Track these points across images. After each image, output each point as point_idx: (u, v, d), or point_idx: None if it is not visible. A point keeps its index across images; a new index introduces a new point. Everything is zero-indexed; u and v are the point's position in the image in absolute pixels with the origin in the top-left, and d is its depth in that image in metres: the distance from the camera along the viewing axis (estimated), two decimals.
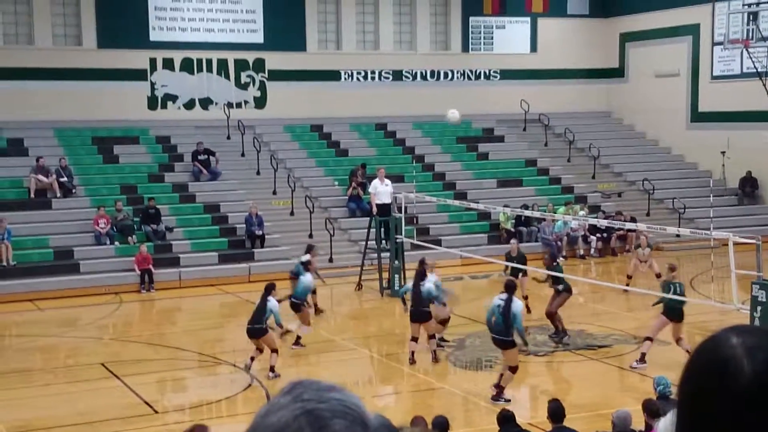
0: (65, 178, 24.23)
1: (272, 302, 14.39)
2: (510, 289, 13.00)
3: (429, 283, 14.98)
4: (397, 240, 20.78)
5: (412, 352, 14.81)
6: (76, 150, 26.12)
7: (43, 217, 23.36)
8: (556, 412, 9.24)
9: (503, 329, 12.75)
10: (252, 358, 14.47)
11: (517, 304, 12.88)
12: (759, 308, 12.90)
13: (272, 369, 14.22)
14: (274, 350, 14.31)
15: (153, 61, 27.96)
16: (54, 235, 22.80)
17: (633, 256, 20.80)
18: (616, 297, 20.09)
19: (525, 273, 18.00)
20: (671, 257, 25.54)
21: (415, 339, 14.84)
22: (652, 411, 9.12)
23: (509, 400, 12.62)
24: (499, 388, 12.78)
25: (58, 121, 26.40)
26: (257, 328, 14.26)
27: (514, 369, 12.82)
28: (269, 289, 14.57)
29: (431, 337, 14.97)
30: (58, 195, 24.07)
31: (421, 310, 14.83)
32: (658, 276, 17.68)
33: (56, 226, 23.12)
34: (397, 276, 20.20)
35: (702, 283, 20.69)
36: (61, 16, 27.24)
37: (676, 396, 1.47)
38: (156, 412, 12.94)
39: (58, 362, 16.32)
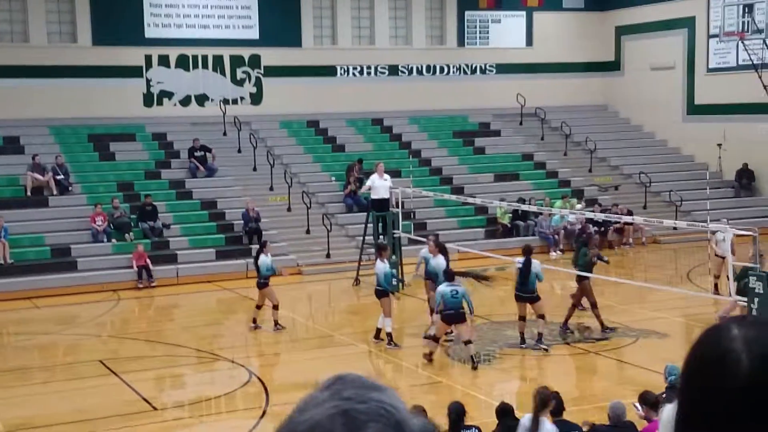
0: (62, 176, 24.21)
1: (262, 258, 17.09)
2: (527, 251, 15.07)
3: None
4: (395, 235, 20.79)
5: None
6: (73, 147, 26.09)
7: (40, 215, 23.34)
8: (556, 405, 9.25)
9: (527, 287, 14.95)
10: (254, 320, 17.18)
11: (536, 263, 15.04)
12: (756, 299, 12.93)
13: (276, 323, 16.82)
14: (275, 306, 16.88)
15: (148, 58, 27.92)
16: (51, 233, 22.78)
17: (710, 252, 19.24)
18: (614, 290, 20.10)
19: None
20: (668, 250, 25.63)
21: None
22: (650, 402, 9.15)
23: (547, 349, 14.96)
24: (540, 335, 15.05)
25: (54, 118, 26.37)
26: (259, 282, 17.12)
27: (542, 316, 15.12)
28: (263, 246, 17.56)
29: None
30: (55, 193, 24.05)
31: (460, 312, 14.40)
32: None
33: (53, 223, 23.10)
34: (395, 270, 20.19)
35: (699, 275, 20.74)
36: (55, 14, 27.19)
37: (678, 386, 1.47)
38: (155, 408, 12.95)
39: (56, 360, 16.33)
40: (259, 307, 17.30)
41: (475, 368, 14.14)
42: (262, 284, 17.13)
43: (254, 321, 17.36)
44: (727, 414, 1.34)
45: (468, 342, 14.28)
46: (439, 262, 16.05)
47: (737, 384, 1.34)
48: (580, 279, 16.25)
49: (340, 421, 1.12)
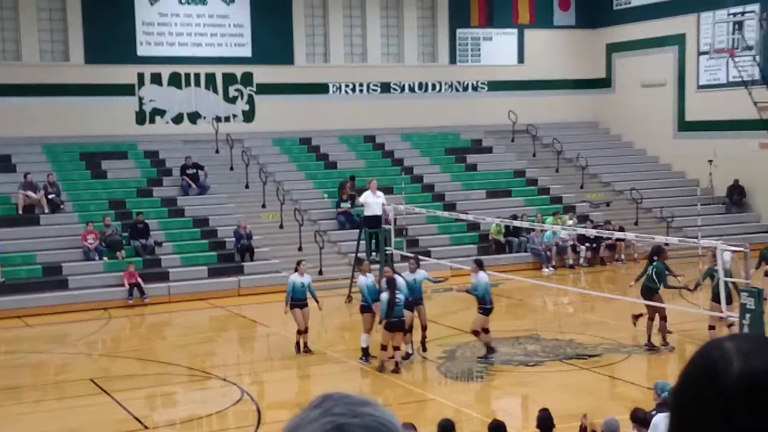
0: (53, 194, 24.17)
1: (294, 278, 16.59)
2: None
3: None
4: (387, 252, 20.79)
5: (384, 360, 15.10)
6: (64, 165, 26.06)
7: (32, 233, 23.29)
8: (545, 421, 9.26)
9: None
10: (297, 343, 16.40)
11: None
12: (748, 315, 12.96)
13: (305, 346, 16.29)
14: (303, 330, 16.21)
15: (141, 76, 27.96)
16: (42, 251, 22.72)
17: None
18: (606, 306, 20.12)
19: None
20: None
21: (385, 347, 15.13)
22: (640, 419, 9.16)
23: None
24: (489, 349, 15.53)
25: (46, 136, 26.35)
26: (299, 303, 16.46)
27: (476, 332, 15.62)
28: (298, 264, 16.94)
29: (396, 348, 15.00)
30: (46, 211, 24.00)
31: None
32: None
33: (44, 242, 23.04)
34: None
35: (690, 292, 20.72)
36: (48, 32, 27.23)
37: (670, 401, 1.48)
38: (146, 427, 12.88)
39: (47, 378, 16.25)
40: (300, 332, 16.44)
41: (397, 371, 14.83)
42: (301, 304, 16.52)
43: (299, 345, 16.56)
44: (721, 420, 1.35)
45: (396, 348, 14.90)
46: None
47: (732, 395, 1.35)
48: (649, 294, 15.91)
49: (350, 430, 1.12)
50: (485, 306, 15.47)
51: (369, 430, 1.12)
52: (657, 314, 15.88)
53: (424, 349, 16.03)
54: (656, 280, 15.58)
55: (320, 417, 1.14)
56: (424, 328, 16.03)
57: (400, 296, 14.78)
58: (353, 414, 1.14)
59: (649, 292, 15.81)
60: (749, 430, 1.33)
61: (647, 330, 15.95)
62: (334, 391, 1.21)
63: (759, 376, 1.34)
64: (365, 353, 15.66)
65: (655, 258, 15.99)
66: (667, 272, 15.85)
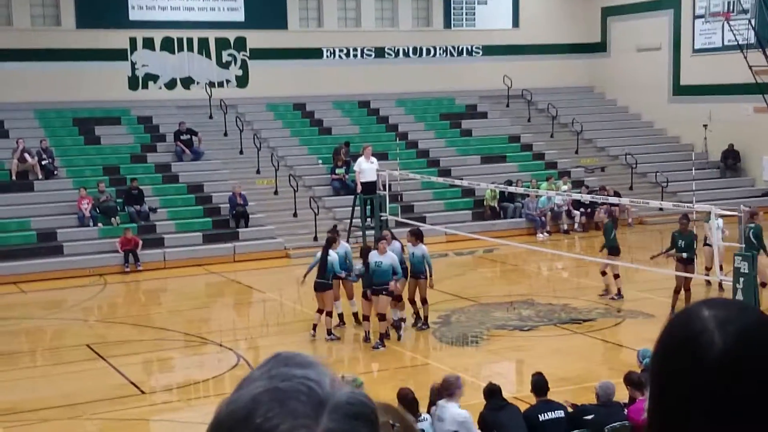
0: (47, 160, 24.07)
1: (332, 255, 14.92)
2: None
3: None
4: (382, 218, 20.79)
5: (314, 325, 14.99)
6: (57, 131, 25.94)
7: (26, 199, 23.23)
8: (540, 385, 9.32)
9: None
10: (314, 326, 15.07)
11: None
12: (742, 279, 13.01)
13: (329, 332, 14.95)
14: (328, 312, 14.87)
15: (133, 41, 27.74)
16: (36, 218, 22.68)
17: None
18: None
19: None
20: (654, 231, 25.72)
21: (320, 311, 14.96)
22: (634, 382, 9.22)
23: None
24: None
25: (39, 102, 26.20)
26: (322, 282, 14.84)
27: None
28: (330, 242, 15.07)
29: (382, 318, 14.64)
30: (40, 177, 23.92)
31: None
32: None
33: (39, 208, 23.00)
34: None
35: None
36: None
37: (650, 371, 1.48)
38: (143, 392, 12.95)
39: (43, 344, 16.31)
40: (321, 311, 15.10)
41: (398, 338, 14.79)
42: (326, 285, 14.94)
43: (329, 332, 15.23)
44: (704, 394, 1.35)
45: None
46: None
47: (712, 364, 1.34)
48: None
49: (262, 399, 1.15)
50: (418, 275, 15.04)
51: (292, 394, 1.15)
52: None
53: (425, 324, 15.65)
54: (756, 243, 15.32)
55: (259, 378, 1.18)
56: (423, 302, 15.63)
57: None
58: (285, 377, 1.17)
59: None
60: (730, 402, 1.34)
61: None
62: (283, 351, 1.23)
63: (741, 353, 1.34)
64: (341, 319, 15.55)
65: (752, 223, 15.54)
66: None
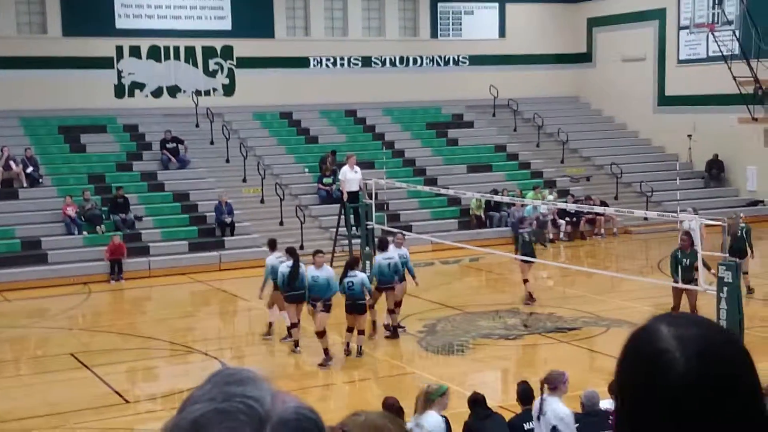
0: (32, 168, 23.98)
1: (303, 268, 14.61)
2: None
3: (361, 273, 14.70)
4: (368, 226, 20.79)
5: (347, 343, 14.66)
6: (43, 139, 25.85)
7: (10, 207, 23.12)
8: (525, 393, 9.33)
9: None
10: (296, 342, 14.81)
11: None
12: (725, 288, 13.06)
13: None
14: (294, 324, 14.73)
15: (119, 49, 27.70)
16: (21, 226, 22.58)
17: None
18: (585, 280, 20.26)
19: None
20: (639, 240, 25.84)
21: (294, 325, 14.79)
22: None
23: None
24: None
25: (24, 110, 26.11)
26: (295, 295, 14.54)
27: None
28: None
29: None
30: (25, 185, 23.82)
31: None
32: None
33: (23, 216, 22.89)
34: (368, 262, 20.19)
35: (669, 266, 20.89)
36: (25, 4, 26.90)
37: (615, 386, 1.50)
38: (127, 401, 12.89)
39: (27, 353, 16.21)
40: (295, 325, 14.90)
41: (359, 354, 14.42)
42: (299, 297, 14.57)
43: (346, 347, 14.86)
44: (668, 413, 1.37)
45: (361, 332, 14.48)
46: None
47: (675, 383, 1.37)
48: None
49: (202, 421, 1.14)
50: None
51: (234, 413, 1.13)
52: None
53: (391, 330, 15.63)
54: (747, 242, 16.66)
55: (198, 400, 1.18)
56: (390, 311, 15.56)
57: (354, 279, 14.15)
58: (225, 397, 1.16)
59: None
60: (695, 419, 1.36)
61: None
62: (225, 368, 1.22)
63: (703, 372, 1.36)
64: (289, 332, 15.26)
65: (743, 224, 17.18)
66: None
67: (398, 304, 15.67)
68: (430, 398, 8.54)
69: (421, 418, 8.52)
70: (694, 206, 19.32)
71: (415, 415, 8.72)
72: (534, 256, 17.77)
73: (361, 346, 14.51)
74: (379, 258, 15.71)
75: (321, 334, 14.14)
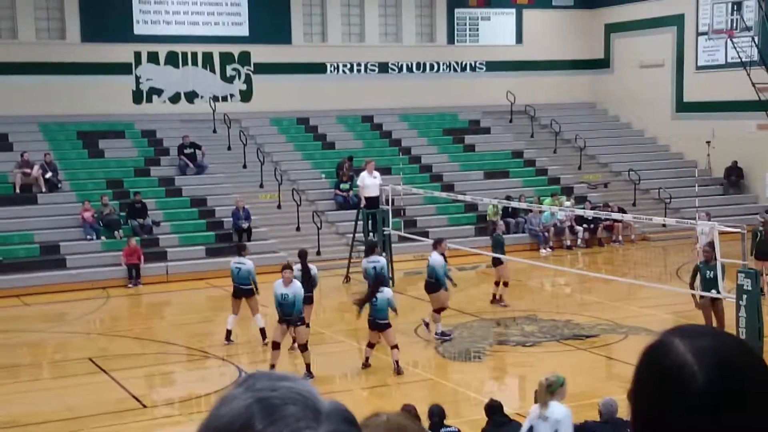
0: (50, 173, 24.12)
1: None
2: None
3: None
4: (385, 232, 20.80)
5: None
6: (61, 145, 26.01)
7: (29, 212, 23.27)
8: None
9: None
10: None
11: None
12: (745, 296, 12.98)
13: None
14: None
15: (138, 55, 27.84)
16: (40, 231, 22.71)
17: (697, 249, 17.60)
18: (603, 287, 20.17)
19: None
20: (657, 247, 25.72)
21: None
22: None
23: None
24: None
25: (43, 115, 26.27)
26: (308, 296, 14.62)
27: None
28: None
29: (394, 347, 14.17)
30: (44, 190, 23.96)
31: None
32: None
33: (42, 221, 23.02)
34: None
35: (687, 272, 20.78)
36: (44, 10, 27.08)
37: (630, 403, 1.47)
38: (144, 406, 12.93)
39: (45, 357, 16.28)
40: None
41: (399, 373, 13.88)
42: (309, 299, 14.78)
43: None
44: (686, 425, 1.36)
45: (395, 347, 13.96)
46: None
47: (694, 397, 1.36)
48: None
49: (257, 408, 1.18)
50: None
51: (288, 400, 1.19)
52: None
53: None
54: None
55: (243, 393, 1.21)
56: (439, 311, 15.87)
57: (380, 295, 13.79)
58: (273, 388, 1.21)
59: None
60: (715, 429, 1.35)
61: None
62: (258, 370, 1.27)
63: (722, 385, 1.36)
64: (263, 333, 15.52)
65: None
66: None
67: (440, 310, 15.73)
68: (552, 389, 8.57)
69: (546, 409, 8.52)
70: (708, 211, 19.21)
71: (535, 406, 8.69)
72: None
73: (397, 361, 13.87)
74: (365, 262, 16.11)
75: (303, 348, 13.89)
